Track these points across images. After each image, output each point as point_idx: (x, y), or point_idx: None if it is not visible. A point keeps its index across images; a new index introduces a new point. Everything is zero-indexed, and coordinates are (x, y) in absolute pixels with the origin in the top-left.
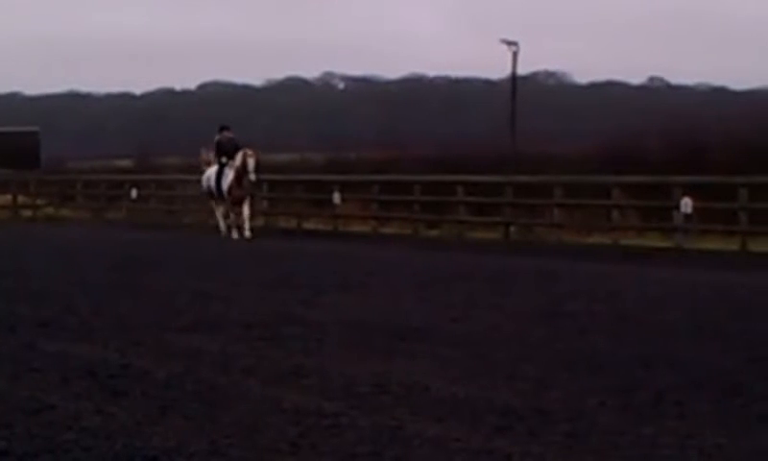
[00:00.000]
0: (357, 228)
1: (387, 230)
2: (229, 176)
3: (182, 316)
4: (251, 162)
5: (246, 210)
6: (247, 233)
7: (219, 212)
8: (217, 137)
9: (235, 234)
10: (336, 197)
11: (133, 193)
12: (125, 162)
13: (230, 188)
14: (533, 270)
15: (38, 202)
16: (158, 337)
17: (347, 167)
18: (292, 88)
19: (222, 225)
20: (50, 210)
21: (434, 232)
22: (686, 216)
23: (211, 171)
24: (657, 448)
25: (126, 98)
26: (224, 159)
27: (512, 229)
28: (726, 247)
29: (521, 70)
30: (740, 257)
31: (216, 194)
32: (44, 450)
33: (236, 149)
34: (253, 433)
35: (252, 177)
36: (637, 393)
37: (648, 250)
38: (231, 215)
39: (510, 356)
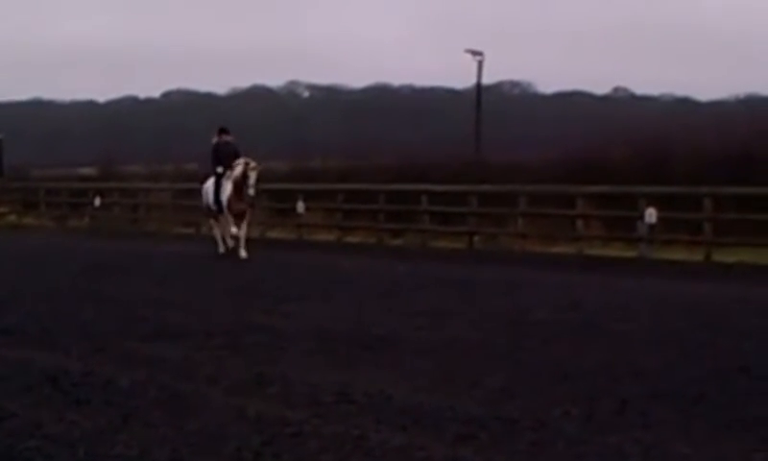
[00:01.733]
0: (322, 237)
1: (351, 239)
2: (228, 188)
3: (145, 324)
4: (253, 176)
5: (244, 227)
6: (242, 254)
7: (217, 231)
8: (214, 141)
9: (221, 249)
10: (300, 206)
11: (97, 201)
12: (88, 170)
13: (230, 201)
14: (497, 279)
15: (1, 210)
16: (121, 345)
17: (311, 176)
18: (256, 97)
19: (221, 246)
20: (13, 218)
21: (398, 242)
22: (651, 226)
23: (209, 184)
24: (621, 458)
25: (90, 105)
26: (220, 169)
27: (476, 238)
28: (690, 257)
29: (486, 80)
30: (705, 268)
31: (215, 209)
32: (5, 458)
33: (235, 156)
34: (217, 441)
35: (252, 191)
36: (602, 402)
37: (612, 260)
38: (233, 229)
39: (474, 365)
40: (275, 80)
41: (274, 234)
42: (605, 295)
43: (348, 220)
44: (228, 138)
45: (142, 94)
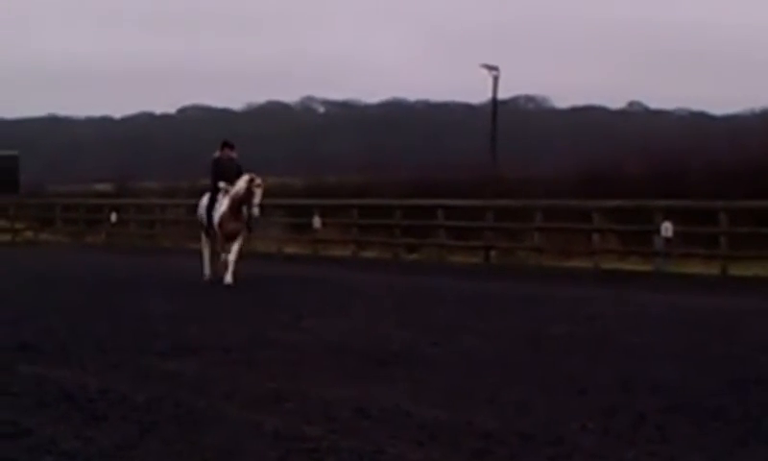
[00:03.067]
0: (337, 252)
1: (367, 253)
2: (223, 205)
3: (161, 340)
4: (258, 194)
5: (234, 250)
6: (227, 279)
7: (206, 252)
8: (216, 155)
9: (207, 273)
10: (316, 221)
11: (113, 217)
12: (104, 186)
13: (222, 220)
14: (513, 294)
15: (17, 226)
16: (137, 361)
17: (327, 191)
18: (272, 113)
19: (207, 268)
20: (29, 234)
21: (414, 256)
22: (667, 240)
23: (205, 199)
24: None
25: (105, 122)
26: (222, 184)
27: (492, 253)
28: (706, 271)
29: (501, 95)
30: (721, 281)
31: (206, 225)
32: None
33: (238, 174)
34: (233, 457)
35: (256, 211)
36: (619, 416)
37: (628, 274)
38: (223, 255)
39: (490, 380)
40: (290, 95)
41: (290, 250)
42: (621, 309)
43: (363, 235)
44: (231, 154)
45: (158, 110)
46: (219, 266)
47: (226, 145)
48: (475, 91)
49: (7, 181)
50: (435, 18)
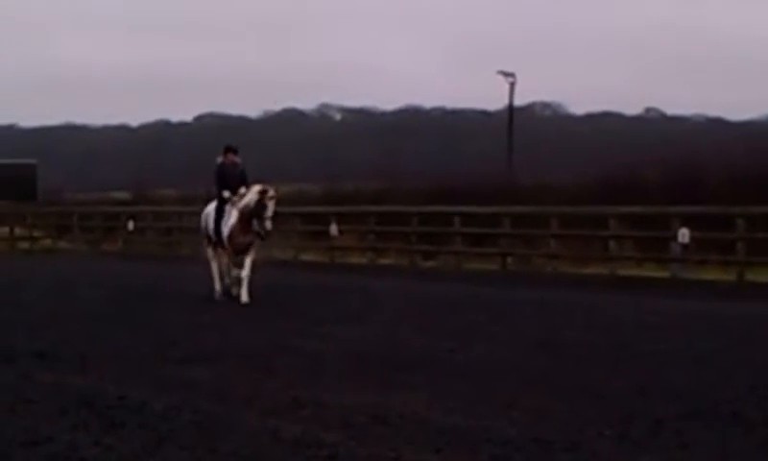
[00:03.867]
0: (354, 259)
1: (384, 261)
2: (233, 217)
3: (179, 347)
4: (271, 207)
5: (247, 265)
6: (243, 297)
7: (214, 266)
8: (219, 161)
9: (218, 290)
10: (333, 228)
11: (130, 225)
12: (121, 194)
13: (232, 234)
14: (530, 300)
15: (35, 234)
16: (155, 368)
17: (343, 198)
18: (288, 120)
19: (217, 285)
20: (47, 242)
21: (431, 263)
22: (684, 246)
23: (209, 209)
24: None
25: (122, 130)
26: (226, 194)
27: (509, 259)
28: (723, 277)
29: (518, 101)
30: (737, 288)
31: (214, 239)
32: None
33: (242, 180)
34: None
35: (269, 224)
36: (636, 422)
37: (645, 280)
38: (233, 269)
39: (508, 387)
40: (307, 103)
41: (306, 257)
42: (638, 315)
43: (380, 242)
44: (235, 159)
45: (174, 118)
46: (232, 281)
47: (229, 150)
48: (491, 98)
49: (25, 189)
50: (451, 25)
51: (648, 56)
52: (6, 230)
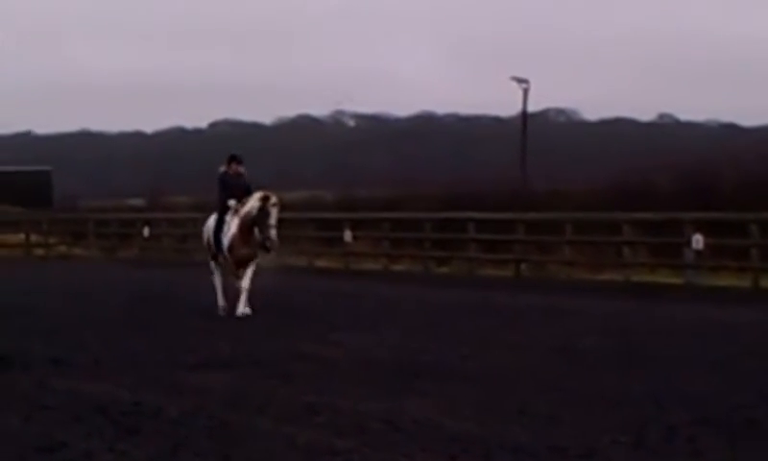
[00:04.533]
0: (368, 265)
1: (398, 267)
2: (233, 226)
3: (194, 353)
4: (274, 214)
5: (247, 276)
6: (241, 309)
7: (217, 278)
8: (222, 170)
9: (221, 305)
10: (347, 235)
11: (145, 231)
12: (137, 201)
13: (233, 245)
14: (544, 307)
15: (51, 240)
16: (170, 375)
17: (357, 205)
18: (302, 126)
19: (221, 299)
20: (62, 249)
21: (445, 270)
22: (698, 253)
23: (211, 221)
24: None
25: (137, 137)
26: (232, 202)
27: (523, 266)
28: (737, 283)
29: (531, 107)
30: (752, 294)
31: (215, 250)
32: None
33: (246, 192)
34: None
35: (273, 234)
36: (650, 429)
37: (659, 286)
38: (237, 283)
39: (522, 393)
40: (320, 109)
41: (321, 263)
42: (652, 321)
43: (394, 248)
44: (239, 169)
45: (189, 125)
46: (237, 292)
47: (233, 159)
48: (505, 104)
49: (40, 195)
50: (464, 32)
51: (661, 62)
52: (21, 236)
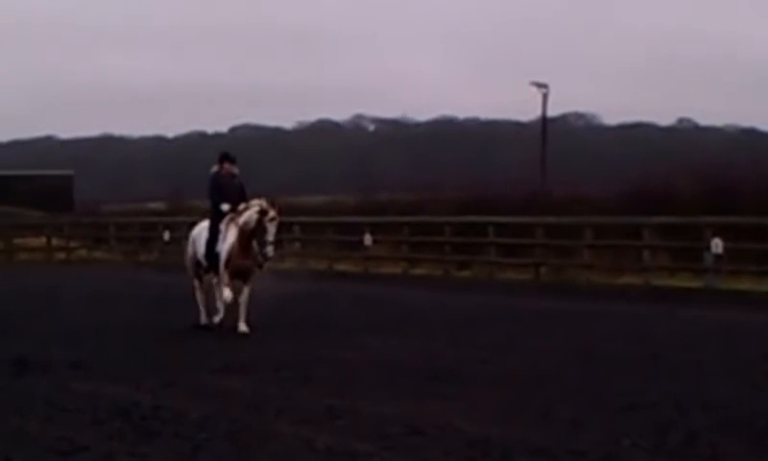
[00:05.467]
0: (388, 269)
1: (418, 271)
2: (230, 237)
3: (214, 357)
4: (272, 230)
5: (246, 293)
6: (242, 328)
7: (200, 295)
8: (213, 170)
9: (203, 318)
10: (367, 239)
11: (166, 235)
12: (158, 205)
13: (231, 255)
14: (564, 311)
15: (72, 244)
16: (190, 378)
17: (377, 209)
18: (323, 131)
19: (203, 316)
20: (83, 253)
21: (465, 274)
22: (717, 257)
23: (197, 231)
24: None
25: (158, 141)
26: (225, 207)
27: (542, 269)
28: (757, 287)
29: (551, 112)
30: None
31: (205, 263)
32: None
33: (241, 194)
34: None
35: (270, 251)
36: (671, 433)
37: (679, 290)
38: (226, 293)
39: (543, 397)
40: (341, 114)
41: (341, 267)
42: (672, 325)
43: (414, 252)
44: (233, 169)
45: (210, 129)
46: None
47: (226, 159)
48: (525, 109)
49: (62, 199)
50: (484, 36)
51: (681, 67)
52: (43, 239)
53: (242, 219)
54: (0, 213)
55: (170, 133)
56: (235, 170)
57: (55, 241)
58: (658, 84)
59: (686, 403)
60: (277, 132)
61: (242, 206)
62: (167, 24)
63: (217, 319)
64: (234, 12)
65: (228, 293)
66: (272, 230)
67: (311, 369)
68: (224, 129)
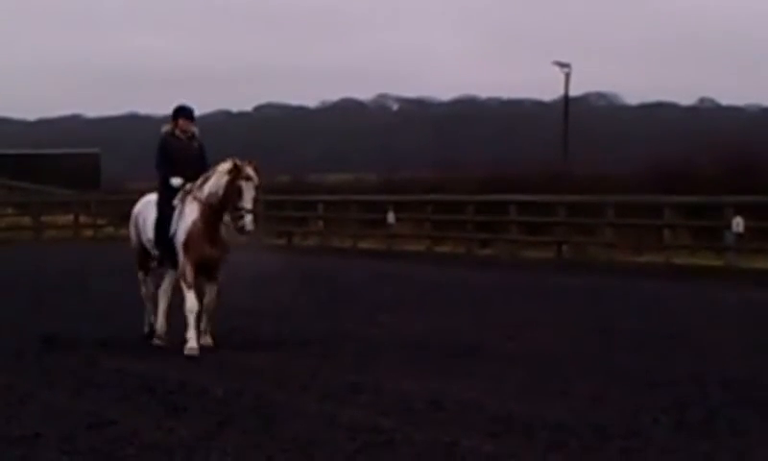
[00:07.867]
0: (411, 247)
1: (441, 249)
2: (190, 213)
3: (239, 333)
4: (248, 192)
5: (211, 292)
6: (205, 339)
7: (146, 292)
8: (164, 129)
9: (147, 326)
10: (390, 217)
11: None
12: (181, 181)
13: (191, 241)
14: (586, 288)
15: (99, 222)
16: (216, 354)
17: (401, 187)
18: (346, 110)
19: (160, 322)
20: (110, 230)
21: (487, 252)
22: (738, 235)
23: (142, 205)
24: None
25: None
26: (176, 181)
27: (564, 248)
28: None
29: (573, 92)
30: None
31: (155, 253)
32: None
33: (200, 162)
34: (310, 448)
35: (249, 222)
36: (691, 410)
37: (700, 269)
38: (189, 301)
39: (564, 374)
40: (364, 93)
41: (364, 245)
42: (693, 304)
43: (437, 230)
44: (190, 127)
45: (234, 108)
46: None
47: (181, 113)
48: (547, 88)
49: (89, 177)
50: (507, 16)
51: (702, 46)
52: (70, 217)
53: (205, 190)
54: (28, 191)
55: (195, 112)
56: (194, 128)
57: (82, 219)
58: (679, 63)
59: (707, 381)
60: (301, 110)
61: (201, 179)
62: (192, 5)
63: (147, 329)
64: None
65: (192, 300)
66: (249, 193)
67: (335, 346)
68: (248, 108)
